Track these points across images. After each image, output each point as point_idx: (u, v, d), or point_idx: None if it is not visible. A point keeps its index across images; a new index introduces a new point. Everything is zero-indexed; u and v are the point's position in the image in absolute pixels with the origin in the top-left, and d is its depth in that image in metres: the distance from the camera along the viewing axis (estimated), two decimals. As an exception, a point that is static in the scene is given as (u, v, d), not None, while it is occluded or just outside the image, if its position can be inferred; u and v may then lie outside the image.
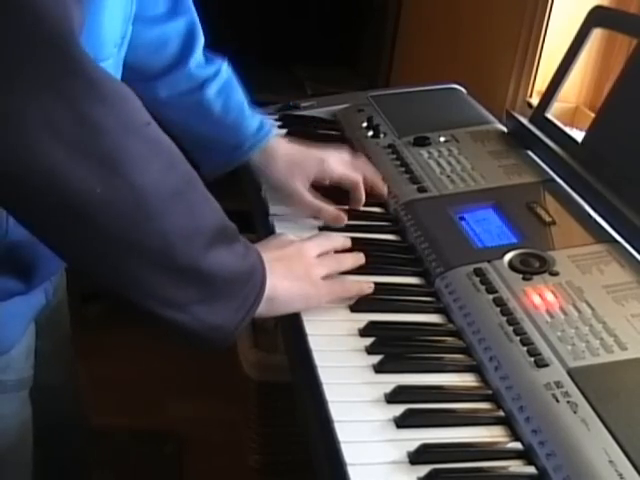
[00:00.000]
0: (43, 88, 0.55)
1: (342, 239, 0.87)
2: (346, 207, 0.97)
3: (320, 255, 0.81)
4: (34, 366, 0.86)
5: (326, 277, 0.80)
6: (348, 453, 0.62)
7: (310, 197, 0.96)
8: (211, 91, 0.96)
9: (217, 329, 0.68)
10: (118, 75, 0.79)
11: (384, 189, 1.01)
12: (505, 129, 1.16)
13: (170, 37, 0.95)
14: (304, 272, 0.78)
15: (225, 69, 0.99)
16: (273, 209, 0.98)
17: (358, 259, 0.85)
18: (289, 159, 0.97)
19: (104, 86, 0.59)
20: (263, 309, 0.72)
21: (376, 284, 0.83)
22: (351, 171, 0.98)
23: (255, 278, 0.71)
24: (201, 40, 0.98)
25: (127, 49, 0.80)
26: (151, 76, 0.95)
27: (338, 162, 0.99)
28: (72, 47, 0.56)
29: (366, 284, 0.82)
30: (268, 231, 0.93)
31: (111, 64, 0.74)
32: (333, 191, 0.98)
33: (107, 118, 0.58)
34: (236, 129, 0.97)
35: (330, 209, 0.95)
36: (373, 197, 1.01)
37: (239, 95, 0.99)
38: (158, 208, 0.62)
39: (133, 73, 0.91)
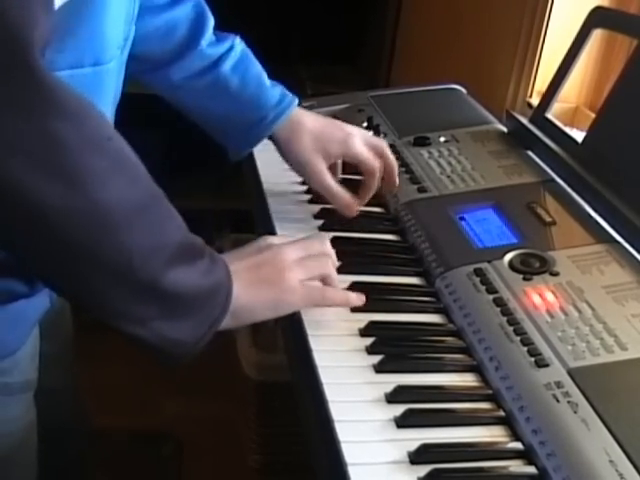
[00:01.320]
0: None
1: (324, 245, 0.81)
2: None
3: (301, 258, 0.76)
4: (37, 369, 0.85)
5: (309, 280, 0.75)
6: (348, 453, 0.62)
7: (330, 179, 0.94)
8: (226, 67, 0.93)
9: (178, 345, 0.67)
10: (121, 77, 0.77)
11: (396, 183, 0.99)
12: (505, 129, 1.16)
13: (179, 21, 0.93)
14: (276, 277, 0.73)
15: (238, 44, 0.96)
16: (273, 208, 0.98)
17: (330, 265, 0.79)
18: (316, 133, 0.94)
19: (64, 100, 0.57)
20: (228, 322, 0.70)
21: (376, 284, 0.84)
22: (372, 156, 0.95)
23: (220, 295, 0.69)
24: (211, 20, 0.95)
25: (136, 41, 0.79)
26: (163, 62, 0.93)
27: (362, 143, 0.95)
28: (30, 57, 0.53)
29: (355, 296, 0.78)
30: (269, 231, 0.93)
31: (114, 66, 0.73)
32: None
33: (67, 133, 0.56)
34: (257, 102, 0.94)
35: (346, 196, 0.93)
36: (381, 191, 0.99)
37: (256, 68, 0.96)
38: (119, 223, 0.61)
39: (143, 63, 0.90)
